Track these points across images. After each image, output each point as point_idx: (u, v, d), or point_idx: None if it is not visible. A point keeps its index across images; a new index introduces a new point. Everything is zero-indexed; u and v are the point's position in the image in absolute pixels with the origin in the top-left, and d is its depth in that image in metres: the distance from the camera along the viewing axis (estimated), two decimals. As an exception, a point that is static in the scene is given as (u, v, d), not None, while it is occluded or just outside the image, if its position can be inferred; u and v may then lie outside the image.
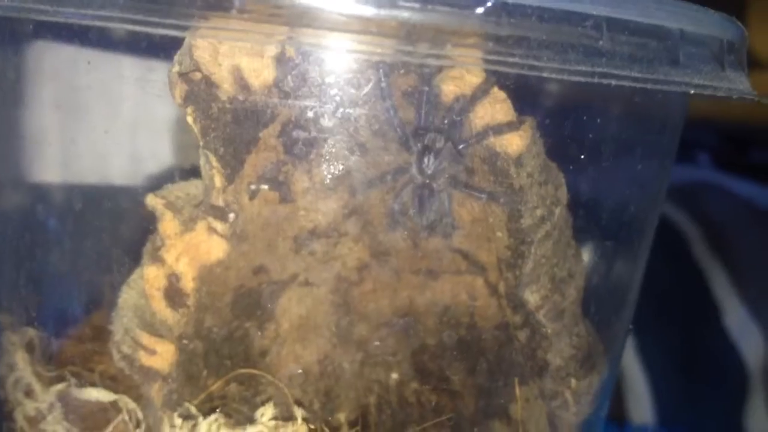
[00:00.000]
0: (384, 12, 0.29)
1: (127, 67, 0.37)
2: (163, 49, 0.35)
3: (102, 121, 0.40)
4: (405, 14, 0.29)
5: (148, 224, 0.39)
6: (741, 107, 1.00)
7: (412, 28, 0.29)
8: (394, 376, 0.45)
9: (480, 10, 0.29)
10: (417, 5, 0.29)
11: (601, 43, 0.31)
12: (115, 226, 0.42)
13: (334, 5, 0.29)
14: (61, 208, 0.43)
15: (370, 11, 0.29)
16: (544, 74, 0.30)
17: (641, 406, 0.78)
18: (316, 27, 0.29)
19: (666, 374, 0.78)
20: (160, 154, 0.45)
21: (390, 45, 0.30)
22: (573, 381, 0.41)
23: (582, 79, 0.30)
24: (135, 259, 0.39)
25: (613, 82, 0.31)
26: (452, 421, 0.44)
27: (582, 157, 0.38)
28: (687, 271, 0.80)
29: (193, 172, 0.39)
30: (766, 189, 0.88)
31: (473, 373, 0.43)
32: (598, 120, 0.37)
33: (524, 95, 0.37)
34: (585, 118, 0.37)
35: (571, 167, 0.38)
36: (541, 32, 0.30)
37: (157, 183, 0.40)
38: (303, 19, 0.29)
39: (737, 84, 0.36)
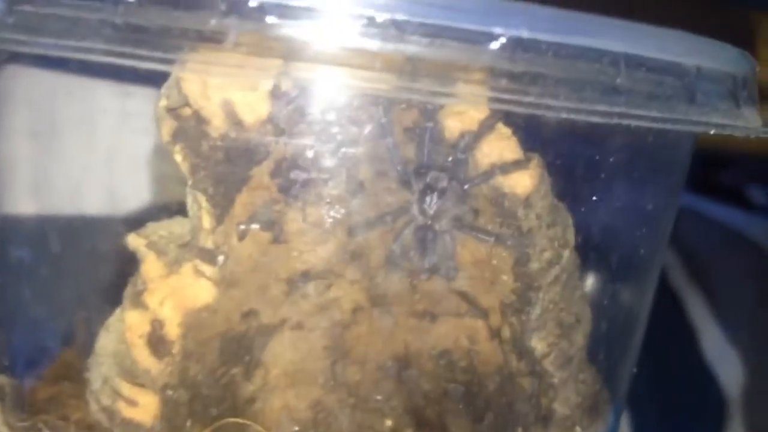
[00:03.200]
0: (390, 46, 0.27)
1: (109, 97, 0.35)
2: (147, 79, 0.33)
3: (80, 153, 0.37)
4: (413, 49, 0.27)
5: (127, 262, 0.36)
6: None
7: (420, 64, 0.27)
8: (389, 422, 0.42)
9: (494, 45, 0.27)
10: (426, 40, 0.27)
11: (618, 80, 0.29)
12: (92, 263, 0.39)
13: (336, 38, 0.27)
14: (33, 243, 0.40)
15: (375, 45, 0.27)
16: (562, 114, 0.28)
17: None
18: (316, 61, 0.27)
19: (642, 400, 0.76)
20: (141, 189, 0.42)
21: (394, 81, 0.28)
22: (578, 430, 0.39)
23: (601, 120, 0.28)
24: (114, 300, 0.37)
25: (633, 123, 0.29)
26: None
27: (591, 196, 0.36)
28: (663, 297, 0.78)
29: (178, 209, 0.36)
30: (737, 211, 0.88)
31: (473, 421, 0.41)
32: (611, 159, 0.36)
33: (530, 130, 0.35)
34: (596, 156, 0.35)
35: (580, 208, 0.36)
36: (557, 69, 0.28)
37: (138, 219, 0.37)
38: (302, 52, 0.27)
39: (752, 121, 0.35)
